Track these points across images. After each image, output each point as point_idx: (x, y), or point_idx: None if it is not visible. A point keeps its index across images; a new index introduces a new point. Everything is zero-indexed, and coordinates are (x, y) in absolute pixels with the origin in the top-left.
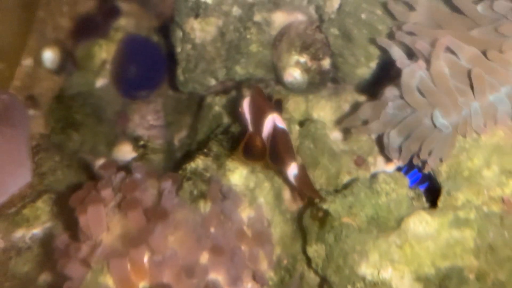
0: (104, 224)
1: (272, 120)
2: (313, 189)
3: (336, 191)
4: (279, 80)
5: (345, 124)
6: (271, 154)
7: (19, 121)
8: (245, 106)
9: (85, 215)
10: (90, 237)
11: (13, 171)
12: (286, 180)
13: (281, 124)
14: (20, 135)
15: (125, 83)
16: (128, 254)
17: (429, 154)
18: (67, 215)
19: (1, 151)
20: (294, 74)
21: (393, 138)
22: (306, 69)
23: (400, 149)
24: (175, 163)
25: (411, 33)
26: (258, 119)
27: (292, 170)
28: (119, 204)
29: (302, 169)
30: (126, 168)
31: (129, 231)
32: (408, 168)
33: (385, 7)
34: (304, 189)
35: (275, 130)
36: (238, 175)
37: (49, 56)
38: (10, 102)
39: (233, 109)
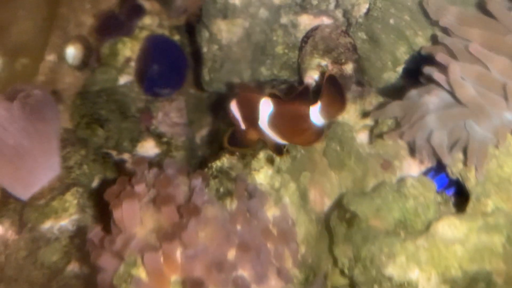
0: (138, 218)
1: (267, 102)
2: (340, 106)
3: (363, 193)
4: (301, 82)
5: (372, 116)
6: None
7: (51, 116)
8: (233, 106)
9: (119, 209)
10: (124, 230)
11: (44, 164)
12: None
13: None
14: (51, 130)
15: (148, 81)
16: (161, 248)
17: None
18: (95, 208)
19: (33, 145)
20: (314, 77)
21: (438, 138)
22: (326, 73)
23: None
24: (197, 160)
25: (447, 30)
26: (251, 110)
27: (315, 109)
28: (153, 200)
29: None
30: (155, 163)
31: (162, 226)
32: (435, 172)
33: (413, 12)
34: (335, 113)
35: (276, 101)
36: (263, 174)
37: (72, 52)
38: (42, 97)
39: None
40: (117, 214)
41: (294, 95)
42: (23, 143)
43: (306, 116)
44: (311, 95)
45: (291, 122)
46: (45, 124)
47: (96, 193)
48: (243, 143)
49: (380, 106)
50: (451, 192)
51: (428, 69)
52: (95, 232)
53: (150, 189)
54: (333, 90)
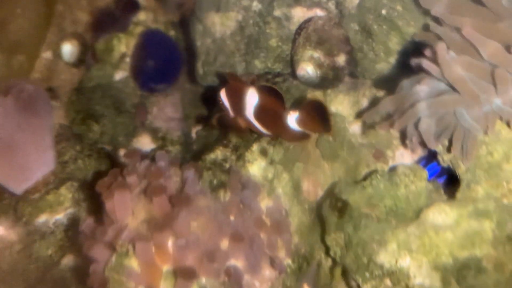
0: (130, 209)
1: (253, 93)
2: (318, 124)
3: (355, 182)
4: (293, 74)
5: (365, 118)
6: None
7: (44, 111)
8: (223, 95)
9: (111, 200)
10: (116, 221)
11: (38, 158)
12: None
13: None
14: (45, 125)
15: (143, 76)
16: (153, 238)
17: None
18: (89, 201)
19: (27, 139)
20: (306, 69)
21: (425, 124)
22: (318, 64)
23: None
24: (193, 155)
25: (438, 19)
26: (238, 99)
27: (292, 117)
28: (144, 190)
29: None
30: (148, 156)
31: (154, 216)
32: (427, 161)
33: (405, 2)
34: (311, 129)
35: (262, 93)
36: (256, 166)
37: (68, 49)
38: (35, 92)
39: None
40: (108, 205)
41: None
42: (17, 137)
43: (283, 118)
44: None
45: (272, 117)
46: (39, 119)
47: (90, 187)
48: (232, 130)
49: (372, 105)
50: (442, 180)
51: (415, 60)
52: (87, 223)
53: (141, 180)
54: (314, 108)
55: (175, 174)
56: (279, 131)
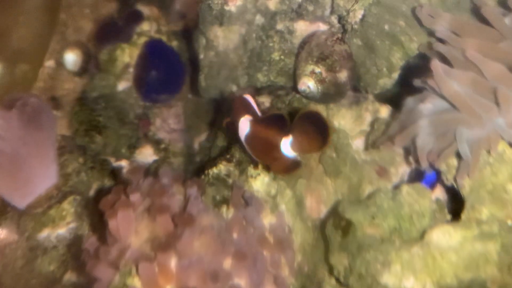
0: (133, 228)
1: (245, 121)
2: (315, 143)
3: (359, 200)
4: (295, 88)
5: (378, 144)
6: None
7: (47, 124)
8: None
9: (115, 219)
10: (119, 240)
11: (41, 172)
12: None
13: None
14: (48, 138)
15: (146, 87)
16: (156, 258)
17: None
18: (92, 217)
19: (30, 153)
20: (308, 83)
21: (421, 140)
22: (320, 80)
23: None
24: (195, 166)
25: (443, 40)
26: (234, 125)
27: (287, 142)
28: (147, 209)
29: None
30: (149, 169)
31: (157, 236)
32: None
33: (408, 18)
34: (308, 150)
35: (254, 122)
36: (260, 181)
37: (71, 58)
38: (38, 105)
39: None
40: (112, 223)
41: (270, 118)
42: (20, 152)
43: (277, 146)
44: (288, 123)
45: (264, 147)
46: (42, 132)
47: (93, 201)
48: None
49: (383, 132)
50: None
51: (418, 82)
52: (90, 241)
53: (145, 198)
54: (308, 125)
55: (178, 192)
56: (271, 161)
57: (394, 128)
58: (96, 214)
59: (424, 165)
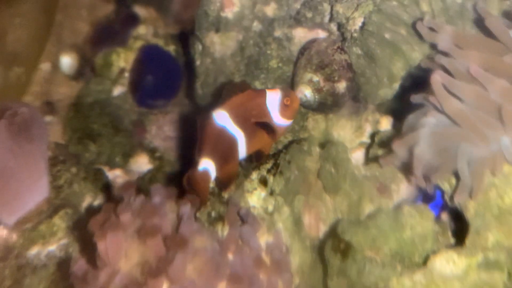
0: (123, 251)
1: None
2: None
3: (359, 221)
4: None
5: (383, 164)
6: None
7: (38, 135)
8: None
9: (104, 241)
10: (108, 263)
11: (31, 186)
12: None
13: None
14: (39, 150)
15: (142, 92)
16: (146, 284)
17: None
18: (83, 232)
19: (20, 166)
20: (304, 92)
21: (420, 149)
22: (317, 89)
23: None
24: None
25: (445, 53)
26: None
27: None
28: (138, 230)
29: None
30: (143, 178)
31: (148, 259)
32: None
33: (409, 26)
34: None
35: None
36: (256, 196)
37: (67, 61)
38: (29, 115)
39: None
40: (101, 246)
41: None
42: (9, 165)
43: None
44: None
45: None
46: (33, 144)
47: (84, 216)
48: None
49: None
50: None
51: (417, 98)
52: (79, 265)
53: (136, 219)
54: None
55: (170, 210)
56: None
57: (401, 151)
58: (87, 231)
59: (418, 174)
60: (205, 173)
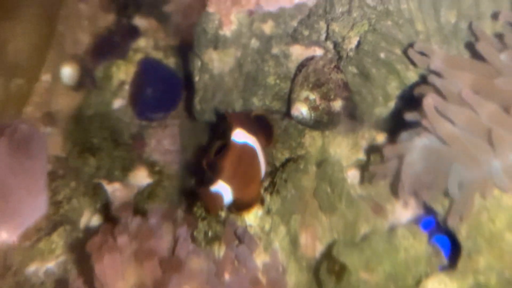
0: (120, 273)
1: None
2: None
3: (354, 243)
4: (288, 113)
5: (376, 180)
6: None
7: (37, 152)
8: None
9: (101, 263)
10: (106, 285)
11: (30, 203)
12: None
13: None
14: (38, 167)
15: (141, 105)
16: None
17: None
18: (81, 252)
19: (19, 183)
20: (301, 109)
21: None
22: (313, 107)
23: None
24: (189, 190)
25: (438, 74)
26: None
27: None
28: (135, 253)
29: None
30: (142, 193)
31: (144, 281)
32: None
33: (404, 46)
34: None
35: None
36: (253, 215)
37: (68, 72)
38: (29, 132)
39: None
40: (98, 268)
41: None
42: (8, 181)
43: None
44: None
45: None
46: (32, 161)
47: (83, 233)
48: None
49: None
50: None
51: (410, 116)
52: (76, 286)
53: (132, 241)
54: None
55: (167, 232)
56: None
57: (393, 167)
58: (84, 250)
59: (406, 185)
60: (218, 196)
